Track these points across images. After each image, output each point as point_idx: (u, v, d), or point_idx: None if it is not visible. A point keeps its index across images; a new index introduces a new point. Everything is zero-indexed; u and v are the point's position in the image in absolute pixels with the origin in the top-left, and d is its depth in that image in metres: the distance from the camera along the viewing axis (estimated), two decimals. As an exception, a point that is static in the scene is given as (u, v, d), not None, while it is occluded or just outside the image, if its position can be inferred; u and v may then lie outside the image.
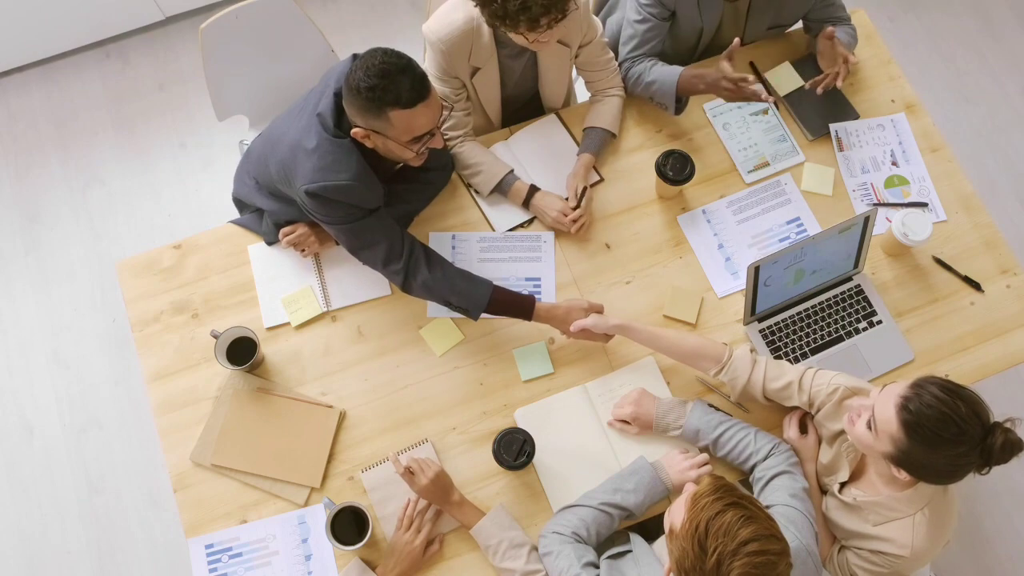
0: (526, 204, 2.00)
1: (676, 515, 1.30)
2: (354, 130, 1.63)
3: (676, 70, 2.00)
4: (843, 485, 1.65)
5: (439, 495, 1.70)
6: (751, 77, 1.90)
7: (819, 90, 1.97)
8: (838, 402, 1.62)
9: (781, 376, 1.68)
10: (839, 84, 1.95)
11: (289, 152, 1.70)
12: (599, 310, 1.85)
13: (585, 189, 1.97)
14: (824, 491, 1.71)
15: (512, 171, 2.01)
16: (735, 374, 1.71)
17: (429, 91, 1.57)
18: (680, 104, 2.03)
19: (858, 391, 1.61)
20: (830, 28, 1.95)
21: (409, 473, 1.69)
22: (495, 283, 1.83)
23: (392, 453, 1.75)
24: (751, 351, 1.72)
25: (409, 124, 1.59)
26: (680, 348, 1.75)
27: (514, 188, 2.00)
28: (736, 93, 1.92)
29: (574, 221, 1.96)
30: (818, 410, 1.66)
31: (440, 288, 1.80)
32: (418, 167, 1.94)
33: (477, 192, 2.04)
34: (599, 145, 2.04)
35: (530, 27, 1.68)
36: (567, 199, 2.00)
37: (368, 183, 1.71)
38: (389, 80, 1.52)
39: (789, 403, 1.70)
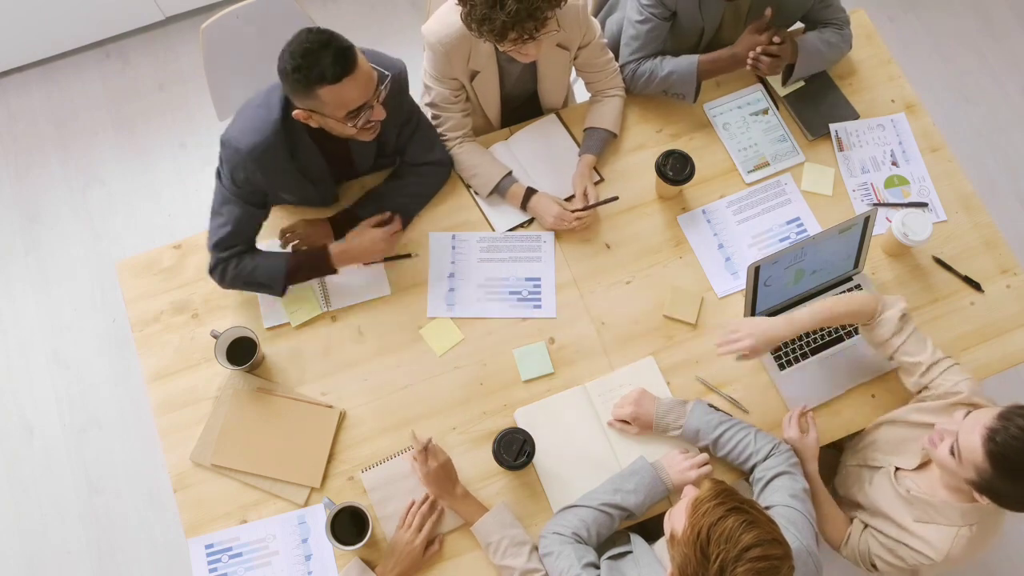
0: (524, 206, 2.00)
1: (677, 521, 1.30)
2: (295, 112, 1.65)
3: (692, 57, 2.02)
4: (898, 472, 1.65)
5: (444, 484, 1.71)
6: (772, 48, 1.95)
7: (749, 61, 1.99)
8: (951, 404, 1.62)
9: (917, 353, 1.67)
10: (760, 62, 1.98)
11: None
12: (394, 234, 1.89)
13: (603, 201, 1.98)
14: (870, 466, 1.72)
15: (510, 173, 2.01)
16: (877, 332, 1.70)
17: (354, 64, 1.57)
18: (696, 91, 2.06)
19: (976, 404, 1.60)
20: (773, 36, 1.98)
21: (423, 452, 1.69)
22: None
23: (411, 432, 1.78)
24: (901, 317, 1.69)
25: (339, 99, 1.59)
26: (838, 316, 1.71)
27: (511, 191, 2.00)
28: (756, 64, 1.96)
29: (578, 219, 1.96)
30: (923, 399, 1.67)
31: (241, 275, 1.85)
32: (414, 163, 1.96)
33: (476, 193, 2.04)
34: (600, 146, 2.04)
35: (496, 39, 1.68)
36: (567, 199, 2.01)
37: (262, 163, 1.71)
38: (311, 58, 1.53)
39: (905, 377, 1.71)
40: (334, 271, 1.90)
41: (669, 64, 2.04)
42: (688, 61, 2.02)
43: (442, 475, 1.70)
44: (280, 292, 1.87)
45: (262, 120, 1.69)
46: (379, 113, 1.68)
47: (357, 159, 1.90)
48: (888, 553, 1.62)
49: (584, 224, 1.98)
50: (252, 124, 1.70)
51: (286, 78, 1.58)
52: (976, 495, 1.45)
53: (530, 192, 1.99)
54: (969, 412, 1.47)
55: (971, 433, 1.41)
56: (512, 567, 1.63)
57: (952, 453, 1.45)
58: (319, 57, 1.53)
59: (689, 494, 1.32)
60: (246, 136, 1.69)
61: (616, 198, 1.98)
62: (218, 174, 1.79)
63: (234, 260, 1.84)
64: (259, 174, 1.74)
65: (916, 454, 1.64)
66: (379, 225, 1.91)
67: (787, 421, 1.77)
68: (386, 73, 1.67)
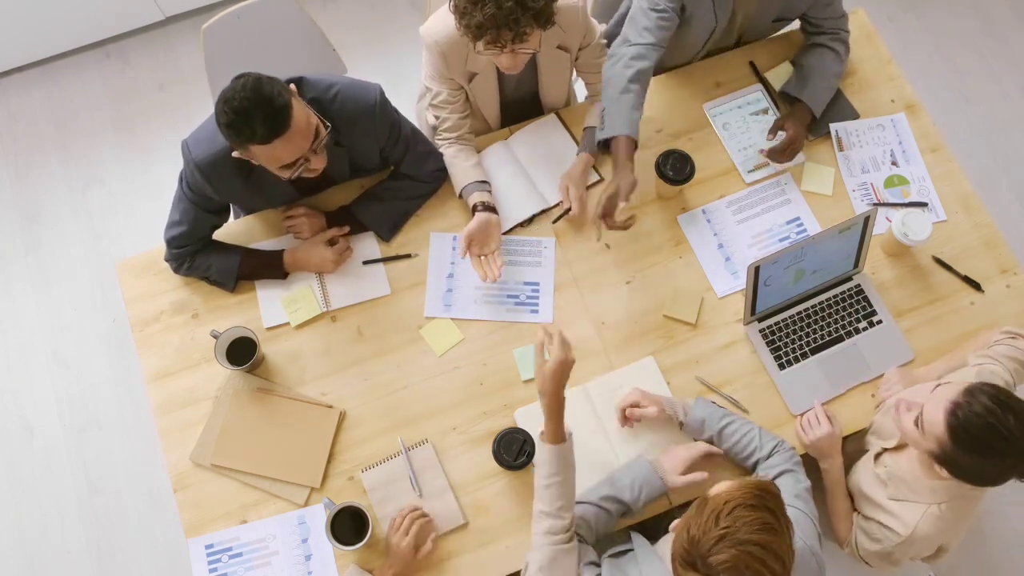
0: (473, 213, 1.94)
1: (720, 486, 1.31)
2: (233, 152, 1.64)
3: (622, 128, 1.84)
4: (882, 453, 1.67)
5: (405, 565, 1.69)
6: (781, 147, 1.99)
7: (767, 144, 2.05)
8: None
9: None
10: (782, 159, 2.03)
11: None
12: (342, 253, 1.92)
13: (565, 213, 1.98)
14: (863, 450, 1.75)
15: (480, 182, 1.95)
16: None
17: (286, 125, 1.54)
18: (590, 144, 1.99)
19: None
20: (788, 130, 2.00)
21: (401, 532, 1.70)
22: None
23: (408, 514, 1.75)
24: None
25: (270, 156, 1.59)
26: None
27: (470, 198, 1.94)
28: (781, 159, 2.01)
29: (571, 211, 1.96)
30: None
31: (195, 271, 1.92)
32: (413, 171, 1.97)
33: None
34: (595, 146, 2.02)
35: (472, 37, 1.66)
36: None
37: (209, 177, 1.73)
38: (243, 118, 1.51)
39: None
40: (284, 277, 1.94)
41: (613, 99, 1.87)
42: (621, 122, 1.84)
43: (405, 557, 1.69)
44: (231, 288, 1.93)
45: (215, 133, 1.67)
46: (317, 163, 1.66)
47: (332, 174, 1.89)
48: (865, 537, 1.65)
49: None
50: (206, 135, 1.70)
51: (220, 128, 1.56)
52: (936, 467, 1.47)
53: (483, 208, 1.91)
54: (938, 387, 1.48)
55: (936, 406, 1.43)
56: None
57: (916, 424, 1.47)
58: (251, 117, 1.51)
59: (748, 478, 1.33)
60: (199, 146, 1.70)
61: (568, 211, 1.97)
62: (180, 173, 1.81)
63: (188, 258, 1.91)
64: (207, 185, 1.75)
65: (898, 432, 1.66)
66: (332, 241, 1.94)
67: (808, 423, 1.78)
68: (327, 124, 1.65)
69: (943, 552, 1.65)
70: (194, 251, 1.91)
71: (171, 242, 1.88)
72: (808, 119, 2.05)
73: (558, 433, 1.56)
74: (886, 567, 1.69)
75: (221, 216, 1.91)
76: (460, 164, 1.98)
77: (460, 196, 1.99)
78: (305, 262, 1.93)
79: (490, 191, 1.97)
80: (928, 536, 1.56)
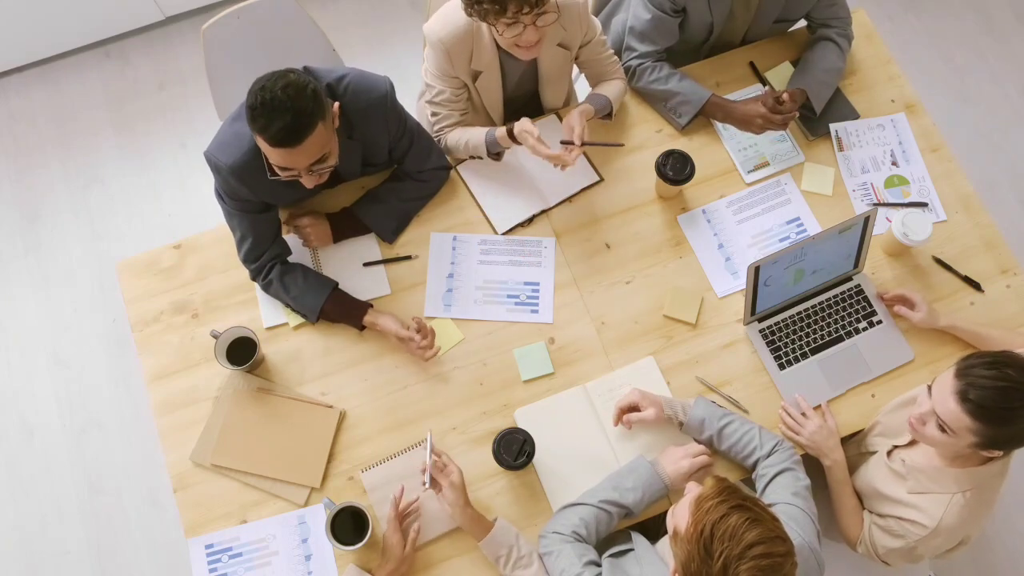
0: (511, 136, 1.90)
1: (680, 517, 1.30)
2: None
3: (704, 92, 2.04)
4: (894, 449, 1.66)
5: (461, 495, 1.67)
6: (785, 96, 1.97)
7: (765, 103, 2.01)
8: None
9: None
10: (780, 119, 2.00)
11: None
12: (414, 336, 1.83)
13: (607, 144, 1.94)
14: (869, 452, 1.73)
15: (489, 129, 1.95)
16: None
17: (297, 142, 1.52)
18: (594, 101, 2.02)
19: None
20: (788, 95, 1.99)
21: (440, 470, 1.68)
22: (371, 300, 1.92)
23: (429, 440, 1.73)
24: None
25: (268, 152, 1.58)
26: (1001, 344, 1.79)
27: (498, 136, 1.92)
28: (768, 122, 1.97)
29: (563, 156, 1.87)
30: None
31: (280, 296, 1.90)
32: (416, 167, 1.96)
33: (479, 158, 2.01)
34: (599, 105, 1.99)
35: (497, 14, 1.65)
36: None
37: (244, 179, 1.71)
38: (265, 111, 1.50)
39: None
40: (361, 329, 1.91)
41: (677, 84, 2.04)
42: (699, 93, 2.04)
43: (461, 485, 1.68)
44: (313, 321, 1.91)
45: (237, 134, 1.67)
46: (308, 181, 1.65)
47: (341, 171, 1.88)
48: (884, 535, 1.63)
49: (575, 155, 1.86)
50: (229, 139, 1.69)
51: (246, 103, 1.55)
52: (986, 453, 1.46)
53: (511, 127, 1.90)
54: (931, 387, 1.48)
55: (945, 403, 1.43)
56: None
57: (943, 430, 1.46)
58: (272, 116, 1.49)
59: (692, 491, 1.32)
60: (224, 152, 1.70)
61: (622, 144, 1.95)
62: (216, 191, 1.80)
63: (274, 277, 1.87)
64: (244, 188, 1.74)
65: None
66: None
67: (795, 424, 1.78)
68: (333, 164, 1.65)
69: (963, 544, 1.63)
70: (273, 258, 1.88)
71: (246, 260, 1.87)
72: (803, 99, 2.04)
73: (482, 530, 1.65)
74: (908, 564, 1.67)
75: (271, 213, 1.87)
76: (468, 132, 1.98)
77: (488, 151, 1.95)
78: (375, 323, 1.87)
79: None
80: (953, 527, 1.55)
